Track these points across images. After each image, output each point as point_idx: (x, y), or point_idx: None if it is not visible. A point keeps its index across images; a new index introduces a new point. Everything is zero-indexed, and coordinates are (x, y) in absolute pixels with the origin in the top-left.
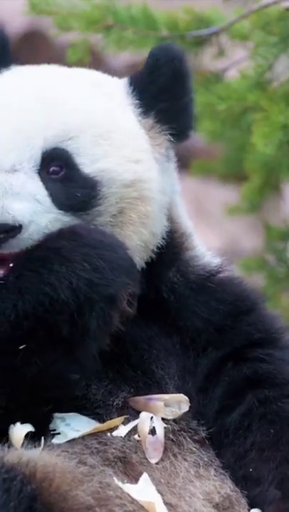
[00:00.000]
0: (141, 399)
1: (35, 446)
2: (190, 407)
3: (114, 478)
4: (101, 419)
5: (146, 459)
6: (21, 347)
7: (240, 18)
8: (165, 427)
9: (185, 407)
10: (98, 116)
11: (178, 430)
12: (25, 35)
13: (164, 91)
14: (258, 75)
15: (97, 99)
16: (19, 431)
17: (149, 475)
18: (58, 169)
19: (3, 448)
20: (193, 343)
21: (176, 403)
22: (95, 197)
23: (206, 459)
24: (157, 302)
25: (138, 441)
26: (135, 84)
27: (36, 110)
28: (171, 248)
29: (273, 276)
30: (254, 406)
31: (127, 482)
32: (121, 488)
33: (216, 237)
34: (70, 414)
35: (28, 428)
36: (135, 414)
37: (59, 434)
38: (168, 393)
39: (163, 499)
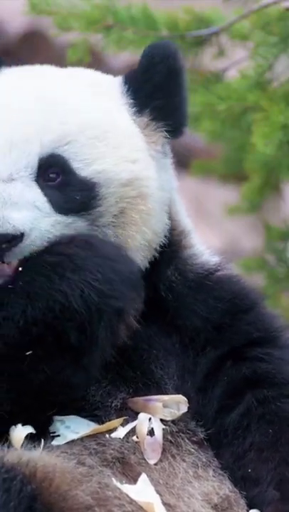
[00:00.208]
0: (140, 400)
1: (34, 448)
2: (189, 407)
3: (113, 478)
4: (100, 421)
5: (145, 459)
6: (29, 353)
7: (240, 18)
8: (163, 429)
9: (184, 408)
10: (94, 117)
11: (176, 431)
12: (25, 35)
13: (159, 89)
14: (258, 75)
15: (94, 100)
16: (20, 432)
17: (147, 476)
18: (55, 176)
19: (3, 448)
20: (192, 342)
21: (174, 404)
22: (94, 198)
23: (204, 460)
24: (156, 301)
25: (136, 442)
26: (130, 83)
27: (35, 110)
28: (170, 246)
29: (273, 276)
30: (253, 406)
31: (126, 483)
32: (120, 489)
33: (216, 237)
34: (70, 416)
35: (28, 430)
36: (134, 415)
37: (58, 436)
38: (167, 393)
39: (162, 500)
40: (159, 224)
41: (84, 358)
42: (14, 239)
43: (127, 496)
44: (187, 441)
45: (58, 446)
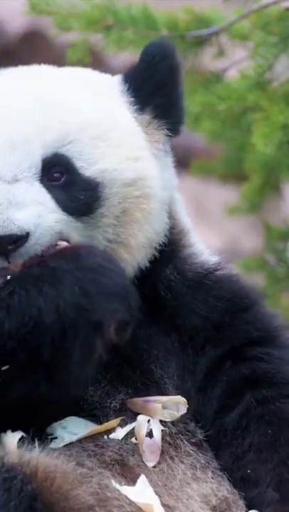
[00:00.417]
0: (139, 401)
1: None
2: (188, 408)
3: (112, 480)
4: (98, 421)
5: (144, 461)
6: (4, 368)
7: (240, 18)
8: (162, 430)
9: (183, 409)
10: (96, 116)
11: (175, 433)
12: (25, 35)
13: (160, 87)
14: (258, 75)
15: (94, 99)
16: (12, 438)
17: (146, 477)
18: (59, 175)
19: (4, 448)
20: (191, 340)
21: (174, 405)
22: (98, 199)
23: (203, 462)
24: (155, 300)
25: (135, 444)
26: (130, 82)
27: (36, 110)
28: (169, 245)
29: (273, 276)
30: (252, 406)
31: (125, 484)
32: (119, 490)
33: (216, 237)
34: (67, 418)
35: (19, 434)
36: (133, 416)
37: (56, 438)
38: (167, 393)
39: (161, 501)
40: (160, 223)
41: (59, 375)
42: (20, 239)
43: (126, 497)
44: (186, 442)
45: (56, 448)
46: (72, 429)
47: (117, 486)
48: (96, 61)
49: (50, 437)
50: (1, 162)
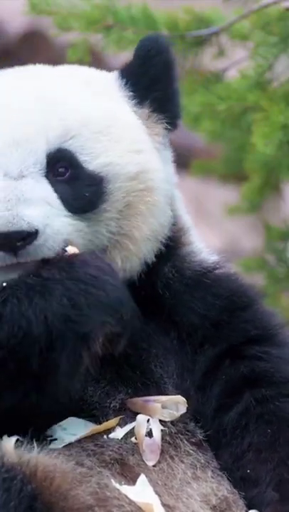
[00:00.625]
0: (138, 400)
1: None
2: (187, 408)
3: (112, 479)
4: (97, 421)
5: (144, 461)
6: None
7: (240, 18)
8: (162, 430)
9: (182, 408)
10: (96, 111)
11: (175, 433)
12: (25, 35)
13: (156, 81)
14: (258, 75)
15: (94, 96)
16: (8, 442)
17: (146, 477)
18: (64, 170)
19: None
20: (189, 337)
21: (173, 405)
22: (102, 194)
23: (202, 461)
24: (153, 298)
25: (135, 443)
26: (127, 77)
27: (36, 110)
28: (168, 242)
29: (273, 276)
30: (251, 405)
31: (125, 484)
32: (119, 490)
33: (216, 237)
34: (67, 419)
35: (15, 438)
36: (132, 415)
37: (56, 439)
38: (167, 393)
39: (161, 500)
40: (164, 216)
41: (48, 386)
42: (29, 236)
43: (126, 496)
44: (186, 442)
45: (56, 448)
46: (72, 430)
47: (117, 485)
48: (96, 61)
49: (49, 439)
50: (5, 159)
